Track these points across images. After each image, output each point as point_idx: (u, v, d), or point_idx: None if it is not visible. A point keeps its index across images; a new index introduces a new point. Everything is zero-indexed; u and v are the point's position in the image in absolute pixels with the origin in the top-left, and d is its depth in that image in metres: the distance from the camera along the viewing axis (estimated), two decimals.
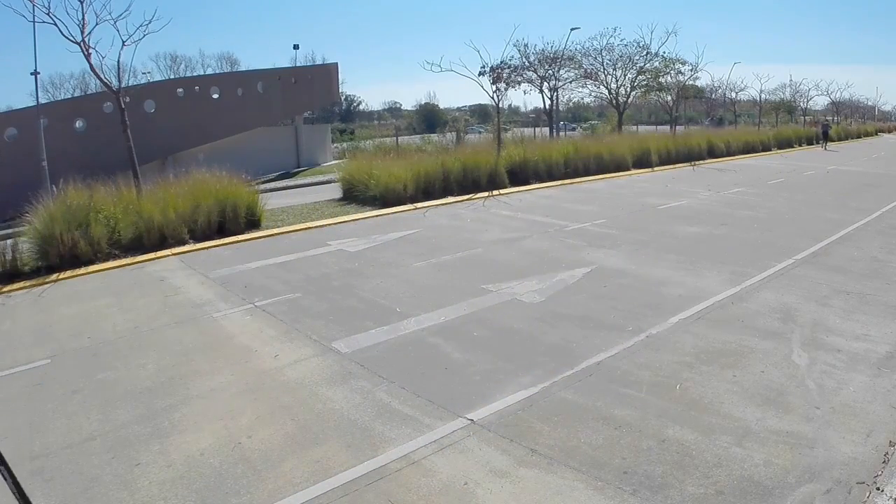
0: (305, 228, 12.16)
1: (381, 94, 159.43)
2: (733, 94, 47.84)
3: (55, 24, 11.29)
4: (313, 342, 6.12)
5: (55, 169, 14.14)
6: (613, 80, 32.37)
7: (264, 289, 8.01)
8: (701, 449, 4.07)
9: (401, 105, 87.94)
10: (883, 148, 35.44)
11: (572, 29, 39.56)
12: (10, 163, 17.59)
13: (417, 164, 15.92)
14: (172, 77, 54.21)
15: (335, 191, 16.44)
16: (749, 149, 31.86)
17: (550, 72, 26.76)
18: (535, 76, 25.51)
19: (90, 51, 11.69)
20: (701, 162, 25.80)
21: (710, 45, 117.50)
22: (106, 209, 10.36)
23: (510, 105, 66.16)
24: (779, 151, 33.77)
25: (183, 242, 10.88)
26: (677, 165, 24.26)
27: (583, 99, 37.22)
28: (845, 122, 64.57)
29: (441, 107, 78.34)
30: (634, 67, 32.27)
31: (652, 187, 17.96)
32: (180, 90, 24.44)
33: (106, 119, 19.57)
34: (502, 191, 16.66)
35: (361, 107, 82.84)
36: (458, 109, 72.73)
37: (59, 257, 9.43)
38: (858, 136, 54.08)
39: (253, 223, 12.24)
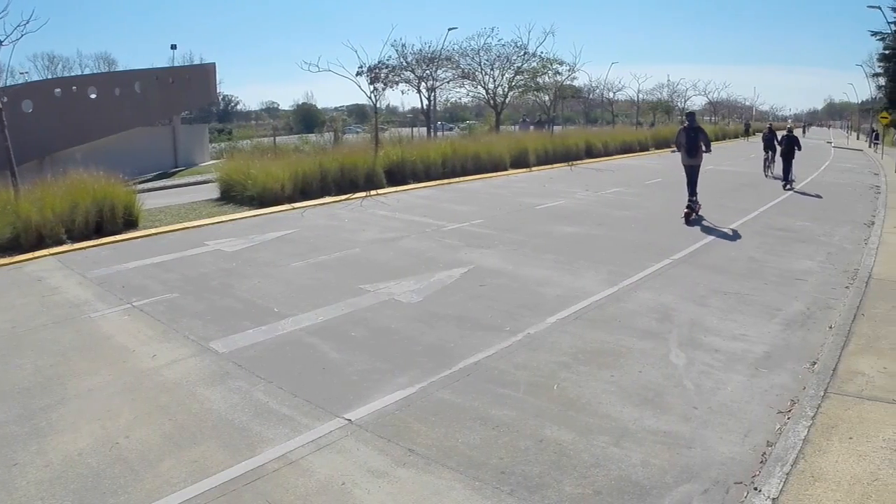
0: (183, 228, 12.10)
1: (259, 94, 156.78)
2: (611, 94, 49.11)
3: None
4: (191, 342, 6.12)
5: None
6: (491, 80, 32.69)
7: (142, 289, 8.01)
8: (578, 449, 4.10)
9: (278, 105, 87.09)
10: (759, 149, 37.24)
11: (450, 29, 40.77)
12: None
13: (295, 164, 15.98)
14: (50, 77, 50.74)
15: (213, 191, 16.21)
16: (627, 149, 32.44)
17: (428, 72, 27.32)
18: (412, 76, 26.04)
19: None
20: (579, 162, 26.19)
21: (587, 45, 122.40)
22: None
23: (388, 105, 66.39)
24: (656, 151, 33.88)
25: (61, 242, 10.70)
26: (555, 165, 24.54)
27: (460, 99, 37.33)
28: (723, 123, 65.84)
29: (319, 107, 78.36)
30: (512, 67, 32.62)
31: (529, 187, 18.12)
32: (58, 90, 23.58)
33: None
34: (380, 191, 16.83)
35: (239, 107, 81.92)
36: (336, 109, 72.47)
37: None
38: (736, 137, 54.74)
39: (131, 223, 12.13)
